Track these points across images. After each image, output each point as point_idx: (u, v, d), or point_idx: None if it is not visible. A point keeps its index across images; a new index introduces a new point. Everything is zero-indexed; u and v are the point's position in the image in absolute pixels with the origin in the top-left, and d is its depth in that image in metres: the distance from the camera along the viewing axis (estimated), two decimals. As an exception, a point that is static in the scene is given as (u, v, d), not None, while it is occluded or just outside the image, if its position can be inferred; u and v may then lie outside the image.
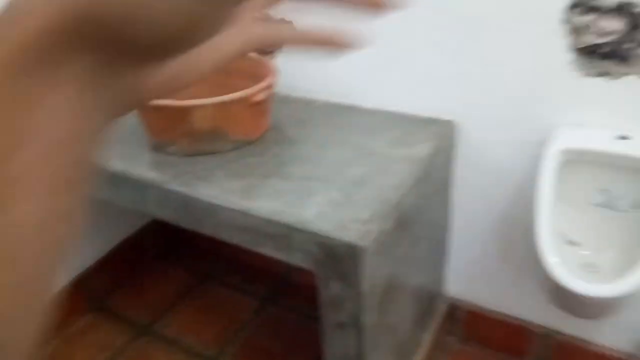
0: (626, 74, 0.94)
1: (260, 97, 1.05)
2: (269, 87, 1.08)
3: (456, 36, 1.06)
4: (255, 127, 1.11)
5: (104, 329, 1.54)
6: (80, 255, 1.58)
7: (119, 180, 1.05)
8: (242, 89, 1.06)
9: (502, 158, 1.14)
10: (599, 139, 0.99)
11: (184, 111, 1.01)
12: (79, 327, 1.55)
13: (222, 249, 1.81)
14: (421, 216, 1.04)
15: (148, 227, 1.80)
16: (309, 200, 0.90)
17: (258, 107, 1.08)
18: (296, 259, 0.88)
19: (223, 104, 1.01)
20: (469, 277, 1.34)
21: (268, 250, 0.92)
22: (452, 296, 1.40)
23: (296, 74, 1.31)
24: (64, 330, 1.53)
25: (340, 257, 0.82)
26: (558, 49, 0.97)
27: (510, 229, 1.22)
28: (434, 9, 1.06)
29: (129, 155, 1.09)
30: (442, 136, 1.09)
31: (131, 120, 1.21)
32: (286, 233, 0.86)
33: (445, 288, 1.39)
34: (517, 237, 1.21)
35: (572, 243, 1.07)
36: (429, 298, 1.27)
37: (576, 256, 1.06)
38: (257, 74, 1.17)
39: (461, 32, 1.05)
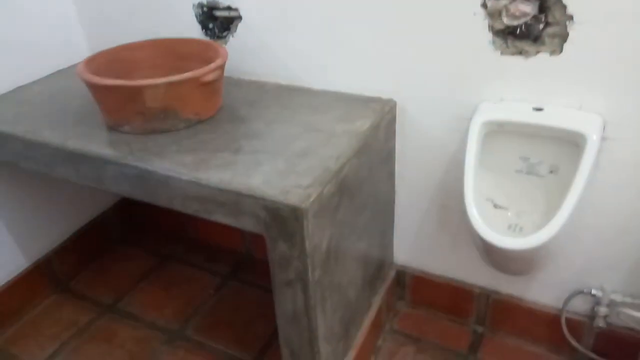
0: (538, 52, 1.05)
1: (210, 77, 1.11)
2: (219, 68, 1.14)
3: (390, 19, 1.15)
4: (206, 107, 1.18)
5: (68, 308, 1.58)
6: (44, 237, 1.62)
7: (76, 158, 1.10)
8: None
9: (437, 132, 1.24)
10: (517, 111, 1.10)
11: (136, 91, 1.07)
12: (43, 307, 1.59)
13: (183, 230, 1.87)
14: (364, 186, 1.13)
15: (110, 211, 1.84)
16: (257, 170, 0.98)
17: (208, 87, 1.15)
18: (246, 224, 0.96)
19: (174, 83, 1.07)
20: (414, 244, 1.45)
21: (219, 217, 0.99)
22: (400, 263, 1.50)
23: (248, 58, 1.38)
24: (29, 312, 1.57)
25: (284, 219, 0.90)
26: (480, 30, 1.08)
27: (446, 197, 1.33)
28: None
29: (85, 135, 1.14)
30: (381, 113, 1.19)
31: (85, 101, 1.26)
32: (235, 200, 0.94)
33: (393, 255, 1.49)
34: (452, 204, 1.32)
35: (498, 207, 1.19)
36: (377, 265, 1.37)
37: (503, 219, 1.18)
38: (209, 57, 1.24)
39: (394, 16, 1.15)
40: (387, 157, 1.27)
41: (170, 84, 1.07)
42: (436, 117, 1.23)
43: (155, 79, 1.06)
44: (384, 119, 1.18)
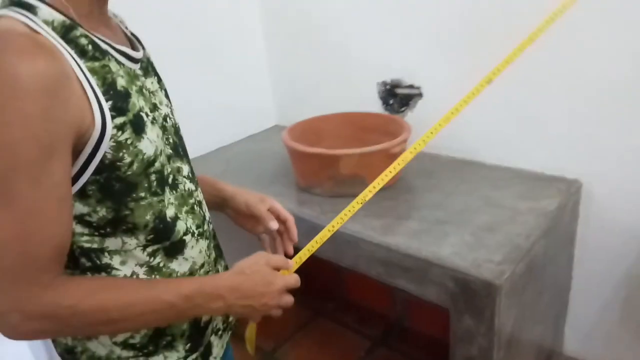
0: None
1: (397, 149, 1.20)
2: (405, 141, 1.23)
3: (586, 102, 1.15)
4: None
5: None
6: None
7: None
8: (376, 142, 1.23)
9: (627, 218, 1.17)
10: None
11: (333, 159, 1.19)
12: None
13: (334, 289, 1.94)
14: (547, 268, 1.10)
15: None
16: (443, 240, 1.01)
17: (394, 159, 1.22)
18: (430, 293, 0.99)
19: (366, 154, 1.18)
20: (588, 335, 1.34)
21: (402, 282, 1.03)
22: (568, 354, 1.39)
23: (422, 131, 1.45)
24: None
25: (475, 293, 0.91)
26: (689, 116, 1.02)
27: (633, 289, 1.22)
28: (568, 80, 1.16)
29: (280, 194, 1.29)
30: (567, 193, 1.16)
31: (278, 163, 1.43)
32: (423, 267, 0.98)
33: (563, 344, 1.39)
34: (639, 299, 1.21)
35: None
36: (547, 352, 1.28)
37: None
38: (389, 129, 1.34)
39: (592, 99, 1.14)
40: (569, 241, 1.22)
41: (363, 154, 1.17)
42: (627, 203, 1.16)
43: (350, 148, 1.18)
44: (570, 200, 1.15)
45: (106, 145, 0.58)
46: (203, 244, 0.77)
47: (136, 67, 0.69)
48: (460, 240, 1.01)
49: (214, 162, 1.57)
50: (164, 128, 0.72)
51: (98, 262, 0.65)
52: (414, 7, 1.35)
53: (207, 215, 0.82)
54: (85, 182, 0.59)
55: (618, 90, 1.10)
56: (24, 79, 0.50)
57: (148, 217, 0.66)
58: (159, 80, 0.78)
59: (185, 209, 0.74)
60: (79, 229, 0.63)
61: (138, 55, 0.69)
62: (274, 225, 0.86)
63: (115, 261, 0.66)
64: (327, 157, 1.19)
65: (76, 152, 0.57)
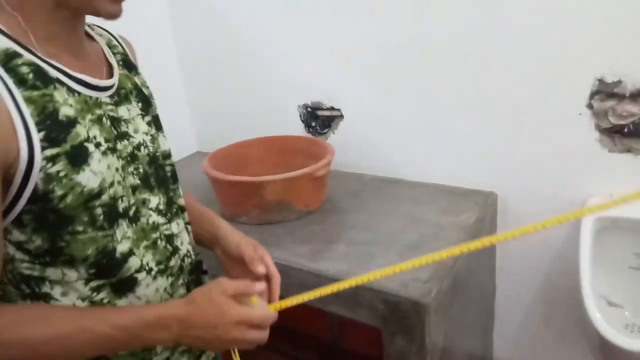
0: (649, 149, 1.06)
1: (321, 172, 1.20)
2: (328, 164, 1.23)
3: (497, 119, 1.21)
4: (315, 199, 1.25)
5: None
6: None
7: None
8: (301, 166, 1.22)
9: (541, 226, 1.24)
10: (629, 206, 1.09)
11: (257, 186, 1.16)
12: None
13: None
14: (471, 281, 1.13)
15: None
16: (372, 262, 1.01)
17: (318, 182, 1.23)
18: (362, 316, 0.98)
19: (290, 179, 1.16)
20: (515, 342, 1.39)
21: (334, 308, 1.02)
22: (499, 362, 1.44)
23: (346, 152, 1.47)
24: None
25: (404, 313, 0.91)
26: (585, 129, 1.11)
27: (552, 293, 1.29)
28: (475, 94, 1.22)
29: (204, 225, 1.23)
30: (484, 206, 1.21)
31: (200, 192, 1.37)
32: (353, 291, 0.96)
33: (493, 353, 1.43)
34: (559, 301, 1.27)
35: (613, 305, 1.14)
36: (477, 362, 1.32)
37: (619, 317, 1.12)
38: (312, 152, 1.34)
39: (502, 117, 1.20)
40: (490, 251, 1.27)
41: (287, 179, 1.15)
42: (540, 212, 1.23)
43: (274, 175, 1.16)
44: (487, 212, 1.20)
45: (36, 177, 0.57)
46: (163, 282, 0.72)
47: (102, 95, 0.67)
48: (387, 261, 1.01)
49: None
50: (131, 157, 0.69)
51: (37, 290, 0.63)
52: (331, 31, 1.37)
53: (184, 249, 0.77)
54: (21, 210, 0.58)
55: (520, 108, 1.17)
56: None
57: (89, 252, 0.63)
58: (145, 107, 0.76)
59: (144, 243, 0.69)
60: (19, 255, 0.61)
61: (103, 83, 0.67)
62: (261, 269, 0.77)
63: (56, 291, 0.64)
64: (251, 184, 1.16)
65: (7, 182, 0.56)
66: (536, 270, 1.28)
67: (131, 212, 0.68)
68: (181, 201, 0.80)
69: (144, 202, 0.71)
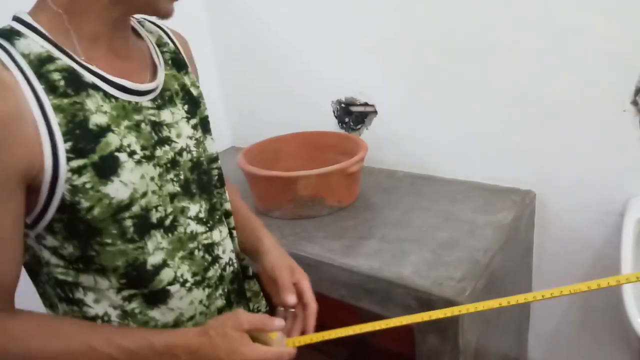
0: (699, 148, 1.01)
1: (354, 168, 1.20)
2: (361, 160, 1.23)
3: (536, 116, 1.18)
4: (348, 195, 1.25)
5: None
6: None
7: (232, 239, 1.20)
8: (334, 161, 1.22)
9: (580, 227, 1.20)
10: (676, 208, 1.05)
11: (291, 181, 1.17)
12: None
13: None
14: (506, 280, 1.11)
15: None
16: (404, 259, 1.01)
17: (351, 178, 1.23)
18: (394, 313, 0.97)
19: (324, 174, 1.16)
20: (550, 343, 1.36)
21: (366, 304, 1.02)
22: (533, 363, 1.41)
23: (380, 148, 1.46)
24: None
25: (437, 312, 0.90)
26: (629, 126, 1.07)
27: (590, 295, 1.25)
28: (508, 91, 1.19)
29: (238, 218, 1.25)
30: (522, 205, 1.18)
31: (239, 188, 1.39)
32: (386, 288, 0.97)
33: (527, 355, 1.41)
34: (597, 303, 1.24)
35: (657, 309, 1.09)
36: (511, 363, 1.30)
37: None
38: (345, 148, 1.34)
39: (541, 113, 1.17)
40: (527, 250, 1.25)
41: (321, 174, 1.16)
42: (579, 211, 1.19)
43: (307, 170, 1.16)
44: (525, 211, 1.18)
45: (62, 188, 0.56)
46: (199, 294, 0.70)
47: (143, 99, 0.64)
48: (420, 258, 1.00)
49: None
50: (172, 164, 0.67)
51: (71, 295, 0.63)
52: (365, 27, 1.36)
53: (225, 257, 0.75)
54: (51, 218, 0.57)
55: (560, 105, 1.14)
56: None
57: (118, 263, 0.62)
58: (192, 109, 0.72)
59: (180, 254, 0.67)
60: (54, 259, 0.61)
61: (144, 87, 0.64)
62: (292, 299, 0.71)
63: (89, 298, 0.64)
64: (285, 179, 1.17)
65: (34, 190, 0.56)
66: (574, 271, 1.25)
67: (167, 222, 0.66)
68: (227, 206, 0.78)
69: (183, 211, 0.68)
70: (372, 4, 1.33)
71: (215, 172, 0.76)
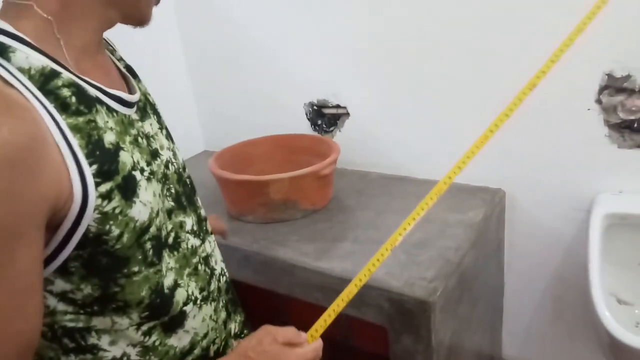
0: (659, 144, 1.04)
1: (327, 171, 1.19)
2: (334, 162, 1.22)
3: (499, 113, 1.20)
4: (321, 198, 1.25)
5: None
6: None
7: (204, 245, 1.18)
8: (307, 164, 1.22)
9: (549, 223, 1.23)
10: (638, 203, 1.08)
11: (263, 185, 1.16)
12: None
13: (277, 312, 1.89)
14: (478, 278, 1.12)
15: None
16: (377, 261, 1.01)
17: (324, 180, 1.22)
18: (368, 315, 0.98)
19: (296, 177, 1.16)
20: (524, 338, 1.38)
21: (341, 307, 1.01)
22: (508, 359, 1.43)
23: (352, 150, 1.46)
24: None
25: (410, 312, 0.91)
26: (594, 124, 1.09)
27: (561, 290, 1.27)
28: (480, 91, 1.21)
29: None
30: (492, 203, 1.20)
31: (207, 191, 1.38)
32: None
33: (501, 350, 1.42)
34: (568, 297, 1.26)
35: (623, 302, 1.12)
36: (487, 359, 1.31)
37: (629, 315, 1.11)
38: (319, 150, 1.33)
39: (502, 109, 1.19)
40: (497, 248, 1.26)
41: (293, 178, 1.15)
42: (548, 208, 1.22)
43: (280, 173, 1.15)
44: (495, 209, 1.19)
45: (89, 218, 0.50)
46: (208, 309, 0.69)
47: (132, 112, 0.60)
48: (393, 259, 1.01)
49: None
50: (164, 179, 0.64)
51: (83, 342, 0.57)
52: (335, 28, 1.37)
53: (218, 268, 0.74)
54: (67, 258, 0.51)
55: (526, 104, 1.16)
56: None
57: (143, 293, 0.58)
58: (159, 119, 0.69)
59: (187, 271, 0.65)
60: (61, 306, 0.55)
61: (134, 98, 0.61)
62: None
63: (104, 341, 0.58)
64: (257, 183, 1.16)
65: (53, 227, 0.49)
66: (545, 267, 1.27)
67: (170, 240, 0.63)
68: (204, 212, 0.76)
69: (181, 226, 0.66)
70: (343, 5, 1.33)
71: (188, 180, 0.74)
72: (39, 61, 0.49)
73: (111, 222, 0.51)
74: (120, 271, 0.55)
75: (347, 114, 1.44)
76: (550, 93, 1.12)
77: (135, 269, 0.56)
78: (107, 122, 0.54)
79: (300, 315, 1.85)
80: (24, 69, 0.47)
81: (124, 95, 0.58)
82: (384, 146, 1.42)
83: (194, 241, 0.68)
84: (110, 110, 0.55)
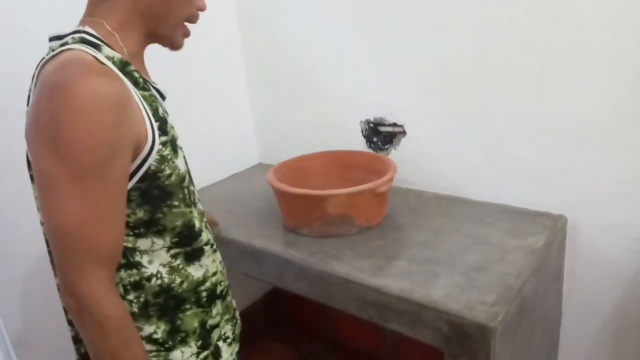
0: None
1: (384, 188, 1.20)
2: (391, 180, 1.23)
3: (566, 140, 1.17)
4: (376, 215, 1.26)
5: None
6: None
7: (261, 255, 1.21)
8: (361, 180, 1.23)
9: (613, 252, 1.18)
10: None
11: (321, 199, 1.18)
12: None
13: (323, 327, 1.90)
14: (537, 306, 1.09)
15: (259, 302, 1.94)
16: (434, 282, 1.00)
17: (380, 197, 1.23)
18: (424, 336, 0.97)
19: (353, 194, 1.17)
20: (581, 372, 1.33)
21: (395, 325, 1.01)
22: (562, 392, 1.37)
23: (407, 168, 1.46)
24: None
25: (469, 336, 0.89)
26: (667, 152, 1.05)
27: (623, 323, 1.22)
28: (540, 118, 1.19)
29: (268, 235, 1.26)
30: (553, 229, 1.17)
31: (263, 203, 1.41)
32: (416, 310, 0.96)
33: (555, 382, 1.37)
34: (630, 332, 1.20)
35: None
36: (540, 391, 1.27)
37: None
38: (374, 167, 1.34)
39: (572, 136, 1.16)
40: (557, 276, 1.23)
41: (350, 194, 1.17)
42: (612, 237, 1.17)
43: (337, 188, 1.17)
44: (557, 236, 1.16)
45: (153, 158, 0.70)
46: (218, 256, 0.89)
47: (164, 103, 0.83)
48: (451, 281, 1.00)
49: (197, 203, 1.54)
50: (184, 156, 0.83)
51: (131, 259, 0.74)
52: (395, 48, 1.38)
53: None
54: (130, 188, 0.69)
55: (594, 128, 1.13)
56: (104, 96, 0.62)
57: (178, 223, 0.77)
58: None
59: (204, 224, 0.85)
60: None
61: (165, 95, 0.84)
62: None
63: (145, 260, 0.75)
64: (315, 197, 1.18)
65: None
66: (606, 298, 1.22)
67: (193, 198, 0.82)
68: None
69: (194, 192, 0.86)
70: (403, 26, 1.34)
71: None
72: (116, 54, 0.71)
73: (165, 164, 0.72)
74: (166, 202, 0.74)
75: (404, 133, 1.44)
76: (618, 120, 1.09)
77: (176, 203, 0.76)
78: (157, 99, 0.77)
79: (345, 327, 1.84)
80: (110, 57, 0.70)
81: (161, 89, 0.81)
82: (439, 166, 1.41)
83: (200, 206, 0.87)
84: (157, 94, 0.79)
